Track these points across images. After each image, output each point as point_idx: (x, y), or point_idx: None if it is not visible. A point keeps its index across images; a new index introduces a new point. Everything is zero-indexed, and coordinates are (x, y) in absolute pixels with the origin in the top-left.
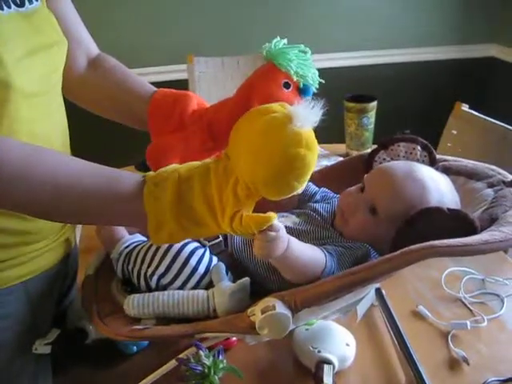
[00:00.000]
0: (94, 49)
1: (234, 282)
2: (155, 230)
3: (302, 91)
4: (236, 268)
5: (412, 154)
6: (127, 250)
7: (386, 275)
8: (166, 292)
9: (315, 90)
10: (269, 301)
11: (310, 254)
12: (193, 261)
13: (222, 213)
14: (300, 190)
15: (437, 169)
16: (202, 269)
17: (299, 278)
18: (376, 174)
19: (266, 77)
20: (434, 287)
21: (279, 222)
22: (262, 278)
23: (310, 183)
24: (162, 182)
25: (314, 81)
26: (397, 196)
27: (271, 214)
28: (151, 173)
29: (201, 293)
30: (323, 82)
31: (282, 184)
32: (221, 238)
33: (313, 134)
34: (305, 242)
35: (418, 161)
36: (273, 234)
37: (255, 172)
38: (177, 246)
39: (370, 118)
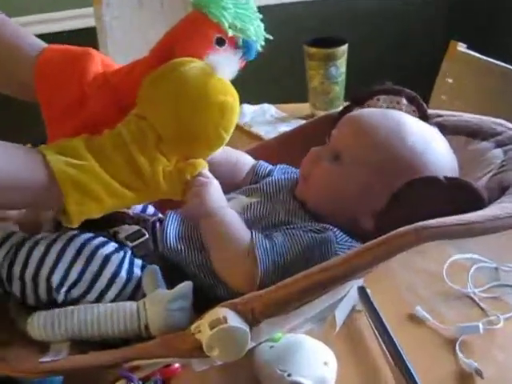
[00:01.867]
0: None
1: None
2: (76, 204)
3: (241, 49)
4: (170, 275)
5: (396, 109)
6: (15, 239)
7: (369, 269)
8: (81, 306)
9: (260, 48)
10: (218, 312)
11: (238, 226)
12: (112, 264)
13: (152, 173)
14: (226, 141)
15: None
16: (124, 273)
17: (222, 257)
18: (345, 120)
19: (193, 30)
20: (433, 282)
21: None
22: (206, 284)
23: (263, 161)
24: (71, 150)
25: (257, 36)
26: (367, 140)
27: (201, 159)
28: (45, 146)
29: (128, 305)
30: (271, 37)
31: (212, 136)
32: (147, 235)
33: (231, 84)
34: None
35: None
36: (205, 179)
37: (181, 127)
38: (90, 245)
39: (340, 68)
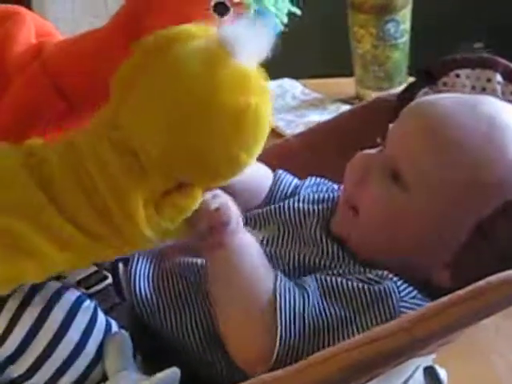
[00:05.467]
0: None
1: (145, 369)
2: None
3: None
4: (142, 337)
5: (486, 89)
6: None
7: (447, 337)
8: None
9: (281, 26)
10: None
11: (260, 271)
12: (74, 331)
13: (126, 213)
14: (247, 166)
15: None
16: (92, 348)
17: (230, 310)
18: (407, 114)
19: None
20: None
21: None
22: (193, 355)
23: (284, 173)
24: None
25: (279, 6)
26: (441, 151)
27: None
28: None
29: None
30: (298, 11)
31: (224, 158)
32: (110, 279)
33: (259, 73)
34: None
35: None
36: (219, 213)
37: (174, 144)
38: (42, 296)
39: (401, 24)
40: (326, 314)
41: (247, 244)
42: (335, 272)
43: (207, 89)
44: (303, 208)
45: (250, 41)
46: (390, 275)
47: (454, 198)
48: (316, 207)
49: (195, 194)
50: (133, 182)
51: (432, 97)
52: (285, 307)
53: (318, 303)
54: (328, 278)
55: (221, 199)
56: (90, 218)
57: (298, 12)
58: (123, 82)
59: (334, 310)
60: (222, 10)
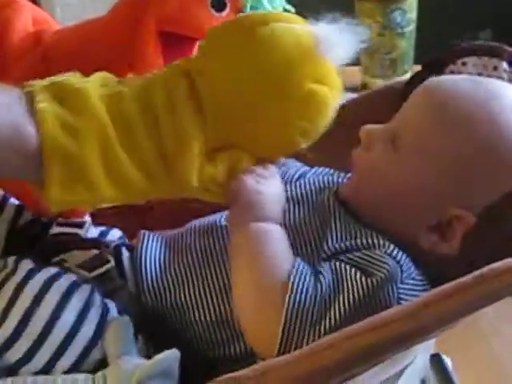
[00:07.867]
0: None
1: (147, 353)
2: (59, 190)
3: None
4: (150, 326)
5: (493, 77)
6: None
7: (446, 325)
8: (17, 379)
9: None
10: None
11: (282, 250)
12: (69, 313)
13: (180, 160)
14: (299, 149)
15: None
16: (88, 330)
17: (244, 291)
18: (414, 91)
19: None
20: None
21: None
22: (201, 340)
23: (291, 161)
24: (76, 96)
25: (274, 4)
26: (434, 119)
27: None
28: (38, 82)
29: (82, 379)
30: (292, 9)
31: (279, 135)
32: (112, 263)
33: (337, 74)
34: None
35: None
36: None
37: (243, 103)
38: (37, 279)
39: (408, 13)
40: (333, 306)
41: (271, 224)
42: (347, 245)
43: (288, 67)
44: (316, 182)
45: (339, 45)
46: (394, 251)
47: (443, 166)
48: (329, 184)
49: (243, 159)
50: (195, 127)
51: (439, 77)
52: (296, 293)
53: (328, 296)
54: (342, 267)
55: (265, 177)
56: (149, 155)
57: (292, 10)
58: (214, 36)
59: (342, 302)
60: (219, 4)
